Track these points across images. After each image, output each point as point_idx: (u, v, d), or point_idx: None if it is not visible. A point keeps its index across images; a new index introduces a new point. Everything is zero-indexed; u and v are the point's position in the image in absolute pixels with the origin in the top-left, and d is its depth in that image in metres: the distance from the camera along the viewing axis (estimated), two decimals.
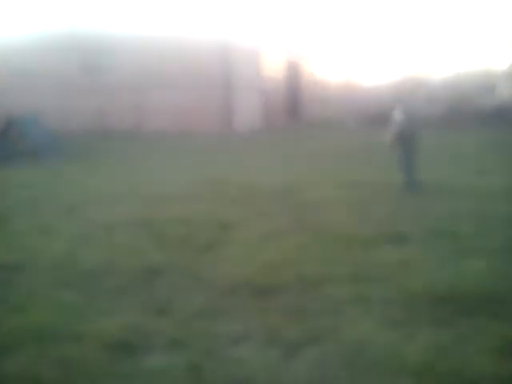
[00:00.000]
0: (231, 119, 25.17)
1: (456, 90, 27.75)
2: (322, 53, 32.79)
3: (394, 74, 30.23)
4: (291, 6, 29.44)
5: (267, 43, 28.26)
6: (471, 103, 27.04)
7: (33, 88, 25.14)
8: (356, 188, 10.79)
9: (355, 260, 6.37)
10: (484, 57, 29.05)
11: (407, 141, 10.64)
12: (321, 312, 4.97)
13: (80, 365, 4.20)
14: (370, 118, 26.94)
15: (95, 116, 24.95)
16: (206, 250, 6.91)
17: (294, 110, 31.61)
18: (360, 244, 6.98)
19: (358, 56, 31.39)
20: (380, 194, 10.36)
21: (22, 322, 4.83)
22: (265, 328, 4.68)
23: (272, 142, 21.24)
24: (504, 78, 28.12)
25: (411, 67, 29.92)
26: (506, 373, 3.99)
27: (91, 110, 25.02)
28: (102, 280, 5.91)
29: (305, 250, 6.78)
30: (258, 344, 4.46)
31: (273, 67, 28.87)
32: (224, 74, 24.78)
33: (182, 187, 11.35)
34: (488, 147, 17.25)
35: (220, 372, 4.09)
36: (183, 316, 4.95)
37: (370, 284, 5.57)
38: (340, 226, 7.94)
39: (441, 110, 27.27)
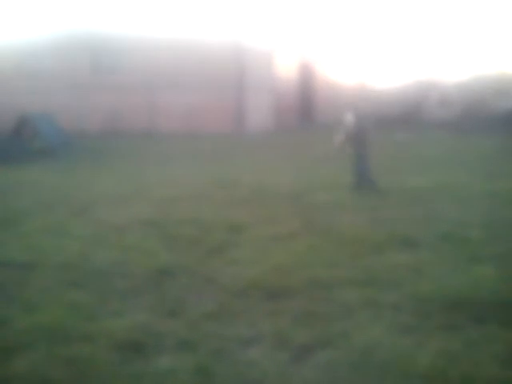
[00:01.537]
0: (243, 120, 25.18)
1: (470, 93, 27.62)
2: (335, 55, 32.76)
3: (408, 76, 30.13)
4: (304, 8, 29.42)
5: (280, 45, 28.25)
6: (486, 107, 26.90)
7: (46, 87, 25.25)
8: (367, 192, 10.74)
9: (365, 263, 6.35)
10: (499, 60, 28.87)
11: (359, 143, 10.83)
12: (331, 316, 4.96)
13: (90, 365, 4.21)
14: (383, 121, 26.86)
15: (107, 116, 25.04)
16: (216, 252, 6.92)
17: (306, 112, 31.57)
18: (370, 247, 6.97)
19: (371, 58, 31.31)
20: (390, 196, 10.32)
21: (33, 321, 4.85)
22: (275, 331, 4.67)
23: (283, 143, 21.23)
24: None
25: (425, 70, 29.81)
26: None
27: (103, 110, 25.10)
28: (113, 280, 5.93)
29: (315, 253, 6.77)
30: (267, 347, 4.45)
31: (285, 69, 28.84)
32: (236, 74, 24.79)
33: (193, 188, 11.36)
34: (501, 151, 17.16)
35: (229, 374, 4.09)
36: (193, 317, 4.96)
37: (380, 288, 5.55)
38: (350, 228, 7.92)
39: (455, 113, 27.16)
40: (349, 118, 10.90)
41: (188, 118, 24.52)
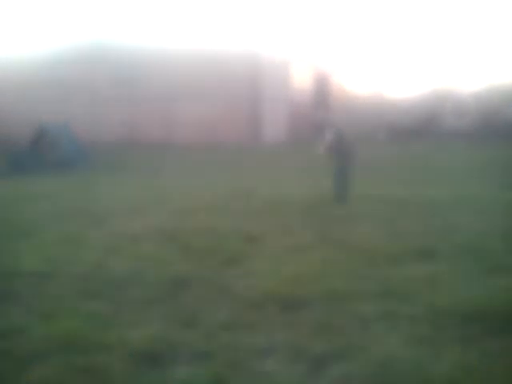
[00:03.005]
0: (259, 131, 25.23)
1: (486, 103, 27.47)
2: (351, 65, 32.75)
3: (424, 86, 30.03)
4: (320, 19, 29.49)
5: (296, 55, 28.31)
6: (501, 116, 26.75)
7: (63, 99, 25.51)
8: (382, 202, 10.73)
9: (382, 275, 6.32)
10: None
11: (339, 156, 10.97)
12: (347, 328, 4.94)
13: (106, 375, 4.22)
14: (400, 131, 26.81)
15: (124, 127, 25.20)
16: (232, 263, 6.92)
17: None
18: (386, 259, 6.93)
19: (387, 68, 31.26)
20: (406, 208, 10.27)
21: (50, 331, 4.88)
22: (290, 342, 4.66)
23: (299, 153, 21.22)
24: None
25: (441, 80, 29.70)
26: None
27: (120, 122, 25.29)
28: (129, 290, 5.95)
29: (331, 264, 6.75)
30: (283, 358, 4.44)
31: (301, 79, 28.89)
32: (253, 86, 24.87)
33: (209, 199, 11.39)
34: None
35: None
36: (209, 328, 4.96)
37: (396, 300, 5.51)
38: (366, 240, 7.89)
39: (470, 123, 27.02)
40: (329, 132, 11.00)
41: (204, 129, 24.62)
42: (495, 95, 27.47)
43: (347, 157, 10.96)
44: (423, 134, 26.13)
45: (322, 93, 31.37)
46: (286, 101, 27.28)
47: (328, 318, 5.12)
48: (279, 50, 26.53)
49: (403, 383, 4.04)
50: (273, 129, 25.82)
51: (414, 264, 6.73)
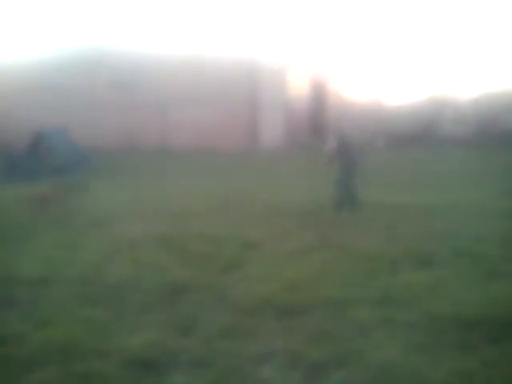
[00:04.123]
0: (256, 137, 25.23)
1: (484, 109, 27.51)
2: (348, 72, 32.83)
3: (422, 93, 30.08)
4: (318, 26, 29.57)
5: (293, 62, 28.36)
6: (500, 123, 26.79)
7: (61, 104, 25.48)
8: (382, 208, 10.72)
9: (380, 281, 6.31)
10: None
11: (343, 163, 10.84)
12: (345, 334, 4.93)
13: (104, 381, 4.21)
14: (397, 138, 26.84)
15: (122, 132, 25.18)
16: (230, 268, 6.91)
17: (318, 129, 31.57)
18: (385, 264, 6.92)
19: (385, 75, 31.36)
20: (406, 214, 10.27)
21: (48, 337, 4.87)
22: (288, 349, 4.65)
23: (296, 160, 21.23)
24: None
25: (439, 86, 29.76)
26: None
27: (118, 127, 25.26)
28: (127, 296, 5.94)
29: (330, 270, 6.75)
30: (281, 365, 4.44)
31: (298, 86, 28.92)
32: (250, 92, 24.89)
33: (207, 203, 11.37)
34: None
35: None
36: (207, 334, 4.95)
37: (395, 306, 5.51)
38: (365, 245, 7.88)
39: (469, 130, 27.04)
40: (333, 139, 10.97)
41: (202, 134, 24.60)
42: (494, 102, 27.51)
43: (352, 164, 10.86)
44: (421, 141, 26.14)
45: (319, 99, 31.40)
46: (284, 107, 27.29)
47: (327, 325, 5.11)
48: (277, 57, 26.56)
49: None
50: (270, 134, 25.82)
51: (413, 270, 6.73)
